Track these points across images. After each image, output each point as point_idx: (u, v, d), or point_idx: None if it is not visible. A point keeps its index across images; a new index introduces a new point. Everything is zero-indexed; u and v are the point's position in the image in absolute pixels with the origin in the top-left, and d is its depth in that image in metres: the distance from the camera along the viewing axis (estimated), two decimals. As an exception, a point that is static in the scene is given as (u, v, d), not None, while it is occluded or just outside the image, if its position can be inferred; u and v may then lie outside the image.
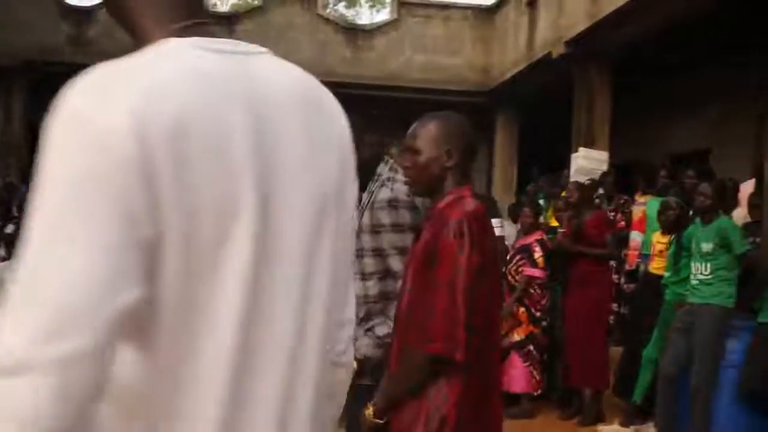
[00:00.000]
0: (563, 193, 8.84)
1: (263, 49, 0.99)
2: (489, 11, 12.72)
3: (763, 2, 6.71)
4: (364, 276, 2.57)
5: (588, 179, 8.25)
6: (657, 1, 7.17)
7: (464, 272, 1.88)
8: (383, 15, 25.35)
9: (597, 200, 6.43)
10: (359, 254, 2.56)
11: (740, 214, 5.91)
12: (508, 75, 11.46)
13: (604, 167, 9.05)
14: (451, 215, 1.96)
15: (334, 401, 1.11)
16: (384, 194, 2.60)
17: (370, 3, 27.27)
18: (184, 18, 0.91)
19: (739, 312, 4.99)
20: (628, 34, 8.17)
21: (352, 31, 12.82)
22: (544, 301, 6.09)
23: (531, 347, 5.94)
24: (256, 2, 12.82)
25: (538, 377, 5.95)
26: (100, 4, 9.61)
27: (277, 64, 1.00)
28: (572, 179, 9.19)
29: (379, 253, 2.57)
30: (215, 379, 0.83)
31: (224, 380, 0.83)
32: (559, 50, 9.28)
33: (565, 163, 9.77)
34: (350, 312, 1.12)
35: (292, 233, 0.91)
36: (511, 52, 11.50)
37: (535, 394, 5.98)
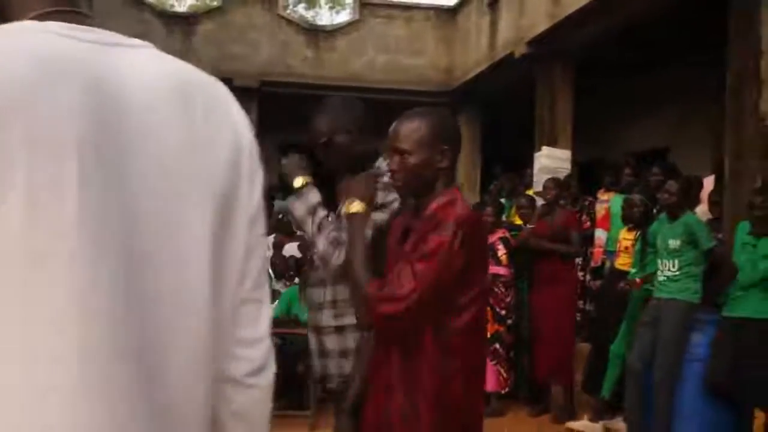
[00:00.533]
0: (531, 191, 8.90)
1: (142, 43, 0.95)
2: (451, 12, 12.74)
3: (723, 1, 6.83)
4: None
5: (551, 177, 8.32)
6: (618, 1, 7.24)
7: (446, 272, 1.83)
8: (344, 16, 25.32)
9: (562, 201, 6.48)
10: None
11: (702, 210, 6.00)
12: (471, 75, 11.49)
13: (567, 166, 9.13)
14: (447, 217, 1.88)
15: (244, 422, 1.04)
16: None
17: (330, 4, 27.20)
18: (49, 5, 0.93)
19: (703, 306, 5.07)
20: (590, 34, 8.24)
21: (314, 32, 12.73)
22: (508, 299, 6.11)
23: (497, 345, 5.95)
24: (215, 3, 12.63)
25: (505, 375, 5.96)
26: None
27: (154, 59, 0.95)
28: (535, 178, 9.28)
29: None
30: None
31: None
32: (521, 50, 9.33)
33: (528, 162, 9.84)
34: (262, 330, 1.03)
35: (144, 229, 0.87)
36: (473, 52, 11.53)
37: (503, 392, 5.99)
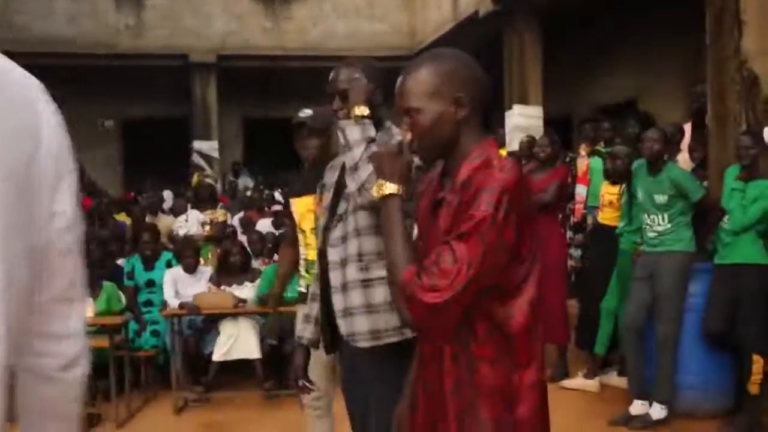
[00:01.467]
0: (504, 151, 8.75)
1: None
2: (410, -27, 12.45)
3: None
4: (355, 209, 2.31)
5: (526, 136, 8.19)
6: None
7: (492, 252, 1.54)
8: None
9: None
10: (361, 188, 2.27)
11: (683, 159, 5.90)
12: (434, 37, 11.25)
13: (539, 123, 9.01)
14: (484, 182, 1.57)
15: (51, 416, 1.08)
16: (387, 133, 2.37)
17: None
18: None
19: (697, 255, 4.98)
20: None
21: (270, 2, 12.32)
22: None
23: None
24: (164, -25, 12.13)
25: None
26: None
27: None
28: (508, 137, 9.14)
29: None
30: None
31: None
32: (486, 7, 9.11)
33: (499, 121, 9.70)
34: (74, 326, 1.07)
35: None
36: (435, 13, 11.28)
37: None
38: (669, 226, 4.88)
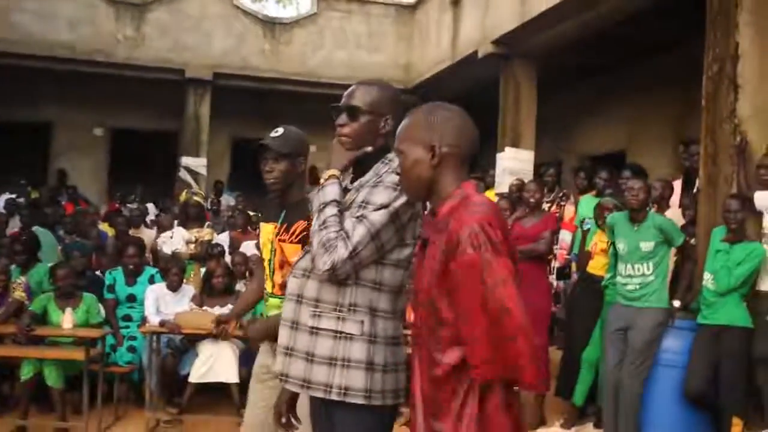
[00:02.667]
0: (492, 192, 8.81)
1: None
2: (411, 8, 12.60)
3: (690, 4, 6.85)
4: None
5: (515, 179, 8.26)
6: (584, 3, 7.20)
7: (500, 282, 1.65)
8: (291, 11, 24.90)
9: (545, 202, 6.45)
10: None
11: (674, 214, 5.97)
12: (431, 73, 11.36)
13: (530, 167, 9.10)
14: (461, 223, 1.71)
15: None
16: (393, 178, 2.17)
17: (276, -1, 26.77)
18: None
19: (680, 312, 5.03)
20: (556, 35, 8.20)
21: (270, 24, 12.40)
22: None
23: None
24: (168, -11, 12.18)
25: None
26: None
27: None
28: (498, 179, 9.21)
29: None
30: None
31: None
32: (485, 49, 9.23)
33: (487, 162, 9.78)
34: None
35: None
36: (433, 49, 11.40)
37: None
38: (652, 277, 4.92)
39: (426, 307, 1.81)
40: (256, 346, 2.94)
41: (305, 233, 2.86)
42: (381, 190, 2.14)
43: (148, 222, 9.65)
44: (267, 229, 3.05)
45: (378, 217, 2.11)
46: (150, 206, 11.79)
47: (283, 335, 2.25)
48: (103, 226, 8.87)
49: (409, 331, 2.47)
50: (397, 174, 1.93)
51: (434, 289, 1.77)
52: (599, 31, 7.97)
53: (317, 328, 2.18)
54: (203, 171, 11.98)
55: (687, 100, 8.81)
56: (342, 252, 2.08)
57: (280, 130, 3.03)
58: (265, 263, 3.02)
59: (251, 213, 9.73)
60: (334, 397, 2.13)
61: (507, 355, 1.65)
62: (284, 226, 2.95)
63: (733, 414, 4.65)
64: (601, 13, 7.39)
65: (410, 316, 2.27)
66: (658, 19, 7.95)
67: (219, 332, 3.04)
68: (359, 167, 2.31)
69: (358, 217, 2.13)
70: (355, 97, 2.28)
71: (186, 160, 11.92)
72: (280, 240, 2.94)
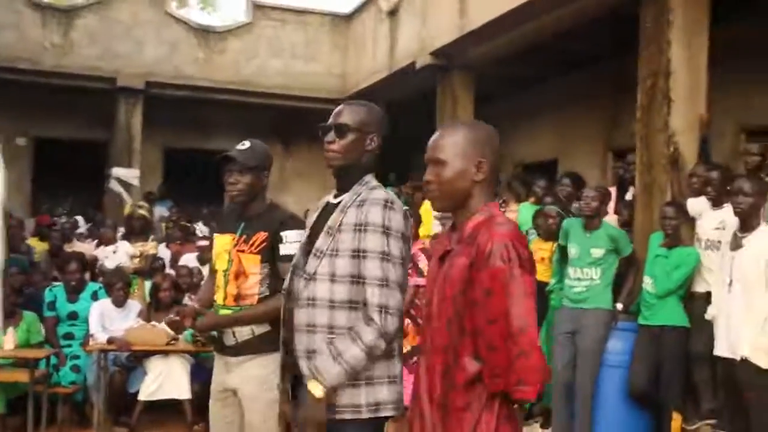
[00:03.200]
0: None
1: None
2: (346, 18, 12.66)
3: (620, 18, 7.17)
4: (334, 278, 2.30)
5: (424, 179, 8.41)
6: (526, 15, 7.43)
7: (523, 297, 1.75)
8: (216, 18, 24.63)
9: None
10: (333, 254, 2.31)
11: (613, 220, 6.23)
12: (368, 83, 11.45)
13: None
14: (491, 238, 1.81)
15: None
16: (379, 193, 2.33)
17: (201, 5, 26.40)
18: None
19: (623, 314, 5.26)
20: (495, 47, 8.42)
21: (204, 32, 12.23)
22: (430, 310, 6.06)
23: (417, 358, 5.88)
24: (96, -5, 11.86)
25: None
26: None
27: None
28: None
29: (357, 254, 2.28)
30: None
31: None
32: (423, 60, 9.38)
33: (422, 171, 9.92)
34: None
35: None
36: (370, 59, 11.50)
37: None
38: (599, 281, 5.14)
39: (448, 316, 1.88)
40: (204, 336, 2.97)
41: (265, 244, 2.95)
42: (374, 237, 2.25)
43: (78, 234, 9.38)
44: (222, 240, 3.09)
45: (386, 270, 2.25)
46: (79, 219, 11.44)
47: (303, 365, 2.32)
48: (32, 241, 8.55)
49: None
50: (427, 184, 1.99)
51: (459, 298, 1.84)
52: (535, 44, 8.24)
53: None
54: (135, 182, 11.69)
55: (616, 112, 9.21)
56: (389, 325, 2.24)
57: (247, 143, 3.09)
58: (219, 274, 3.05)
59: (187, 224, 9.59)
60: (365, 415, 2.24)
61: (519, 369, 1.73)
62: (243, 237, 3.00)
63: (673, 409, 4.91)
64: (538, 27, 7.64)
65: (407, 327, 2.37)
66: (591, 34, 8.27)
67: (173, 324, 2.96)
68: (344, 181, 2.41)
69: (363, 282, 2.26)
70: (343, 116, 2.41)
71: (117, 171, 11.61)
72: (238, 251, 2.99)
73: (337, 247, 2.30)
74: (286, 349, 2.46)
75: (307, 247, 2.45)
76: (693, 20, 5.65)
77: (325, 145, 2.41)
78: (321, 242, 2.34)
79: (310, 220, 2.54)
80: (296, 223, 3.02)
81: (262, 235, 2.96)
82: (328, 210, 2.43)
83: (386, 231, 2.26)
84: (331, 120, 2.43)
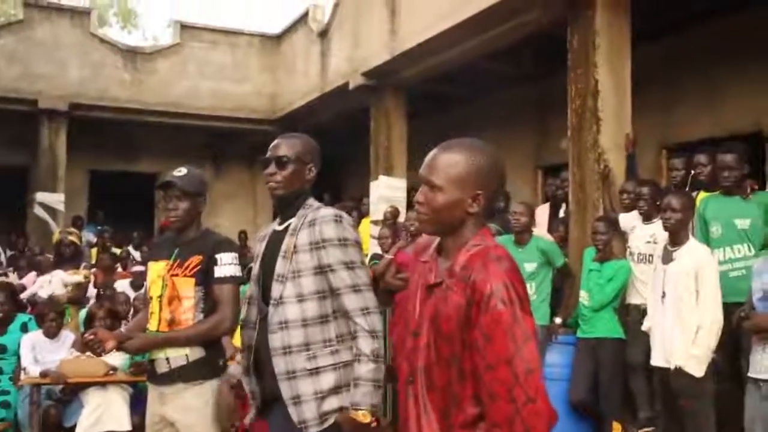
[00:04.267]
0: (368, 220, 9.00)
1: None
2: (276, 39, 12.66)
3: (540, 40, 7.45)
4: (301, 297, 2.42)
5: (390, 206, 8.51)
6: (454, 38, 7.61)
7: (527, 340, 1.64)
8: (138, 38, 24.15)
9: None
10: (295, 275, 2.43)
11: (541, 233, 6.41)
12: (299, 103, 11.45)
13: (403, 194, 9.40)
14: (489, 277, 1.67)
15: None
16: (326, 211, 2.51)
17: (121, 24, 25.88)
18: None
19: (562, 328, 5.41)
20: (426, 68, 8.58)
21: (131, 54, 12.00)
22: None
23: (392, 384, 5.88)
24: (15, 14, 11.48)
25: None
26: None
27: None
28: (372, 207, 9.43)
29: (320, 270, 2.42)
30: None
31: None
32: (356, 81, 9.47)
33: (355, 190, 10.01)
34: None
35: None
36: (301, 80, 11.51)
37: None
38: (535, 297, 5.27)
39: (446, 356, 1.75)
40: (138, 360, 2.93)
41: (199, 267, 2.97)
42: (334, 250, 2.41)
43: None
44: (156, 267, 3.09)
45: (354, 276, 2.42)
46: (-1, 247, 10.98)
47: (285, 389, 2.41)
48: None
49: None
50: (418, 205, 1.83)
51: (457, 338, 1.71)
52: (463, 65, 8.44)
53: (317, 369, 2.40)
54: (61, 207, 11.31)
55: (543, 130, 9.51)
56: (375, 323, 2.42)
57: (184, 170, 3.10)
58: (153, 300, 3.04)
59: (117, 250, 9.34)
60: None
61: (526, 417, 1.62)
62: (177, 261, 3.01)
63: (613, 419, 5.07)
64: (465, 49, 7.83)
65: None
66: (517, 55, 8.55)
67: (91, 345, 2.88)
68: (287, 209, 2.58)
69: (337, 292, 2.41)
70: (282, 149, 2.57)
71: (41, 196, 11.21)
72: (172, 275, 2.99)
73: (298, 268, 2.44)
74: (254, 374, 2.53)
75: (259, 275, 2.55)
76: (617, 41, 5.91)
77: (267, 177, 2.55)
78: (280, 267, 2.46)
79: (259, 248, 2.63)
80: (230, 246, 3.06)
81: (196, 259, 2.97)
82: (275, 238, 2.56)
83: (343, 243, 2.42)
84: (270, 153, 2.57)
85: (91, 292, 6.93)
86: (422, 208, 1.82)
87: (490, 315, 1.65)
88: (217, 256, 2.96)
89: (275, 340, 2.42)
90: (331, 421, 2.38)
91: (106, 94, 11.69)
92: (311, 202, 2.57)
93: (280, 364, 2.41)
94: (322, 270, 2.42)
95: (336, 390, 2.39)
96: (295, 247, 2.45)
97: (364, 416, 2.33)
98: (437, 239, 1.89)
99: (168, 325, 2.95)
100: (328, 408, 2.39)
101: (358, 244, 2.47)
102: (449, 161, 1.78)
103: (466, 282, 1.71)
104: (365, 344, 2.36)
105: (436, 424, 1.75)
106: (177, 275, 2.97)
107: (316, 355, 2.40)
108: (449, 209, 1.78)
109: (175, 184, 3.01)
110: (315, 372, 2.39)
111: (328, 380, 2.39)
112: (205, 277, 2.95)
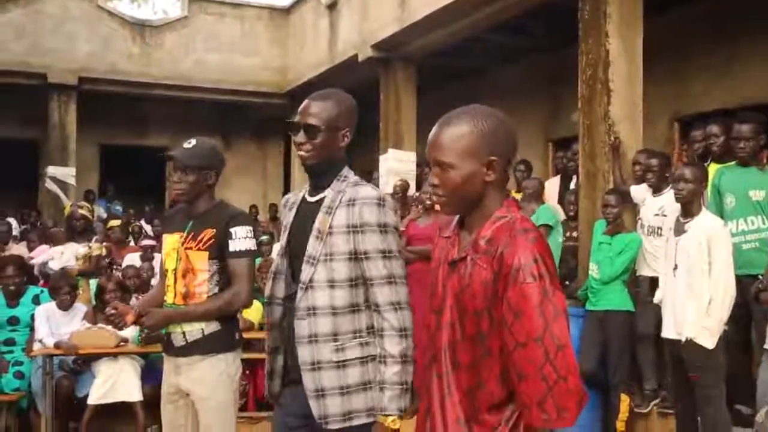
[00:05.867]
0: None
1: None
2: (285, 12, 12.56)
3: (551, 11, 7.34)
4: (332, 283, 2.24)
5: (399, 180, 8.48)
6: (465, 9, 7.52)
7: (558, 316, 1.57)
8: (147, 12, 24.00)
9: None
10: (327, 259, 2.24)
11: (556, 208, 6.38)
12: (308, 76, 11.39)
13: (413, 167, 9.36)
14: (517, 250, 1.59)
15: None
16: (368, 191, 2.28)
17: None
18: None
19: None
20: (436, 39, 8.49)
21: (139, 27, 11.94)
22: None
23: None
24: (23, -11, 11.45)
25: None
26: None
27: None
28: (382, 180, 9.40)
29: (355, 256, 2.24)
30: None
31: None
32: (365, 53, 9.39)
33: (365, 164, 9.97)
34: None
35: None
36: (310, 53, 11.43)
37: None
38: None
39: (472, 334, 1.68)
40: (153, 334, 2.88)
41: (212, 241, 2.94)
42: (373, 237, 2.23)
43: (13, 237, 9.04)
44: (170, 240, 3.07)
45: (390, 267, 2.24)
46: (12, 221, 11.03)
47: (308, 380, 2.25)
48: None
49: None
50: (434, 188, 1.74)
51: (484, 316, 1.65)
52: (474, 36, 8.35)
53: (344, 361, 2.23)
54: (72, 180, 11.35)
55: (554, 103, 9.43)
56: (406, 320, 2.26)
57: (193, 142, 3.06)
58: (169, 273, 3.03)
59: (134, 225, 9.37)
60: (357, 422, 2.24)
61: (557, 395, 1.55)
62: (191, 234, 2.98)
63: (621, 391, 5.07)
64: (476, 19, 7.74)
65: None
66: (528, 26, 8.44)
67: (112, 319, 2.90)
68: (320, 178, 2.35)
69: (370, 282, 2.24)
70: (311, 115, 2.30)
71: (52, 170, 11.25)
72: (186, 248, 2.97)
73: (331, 251, 2.24)
74: (276, 354, 2.40)
75: (287, 248, 2.40)
76: (629, 11, 5.82)
77: (296, 145, 2.34)
78: (312, 248, 2.26)
79: (287, 219, 2.44)
80: (245, 219, 3.02)
81: (209, 232, 2.95)
82: (307, 209, 2.36)
83: (383, 229, 2.24)
84: (298, 118, 2.32)
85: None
86: (438, 190, 1.72)
87: (519, 289, 1.57)
88: (232, 229, 2.93)
89: (301, 327, 2.25)
90: (356, 422, 2.24)
91: (115, 67, 11.66)
92: (346, 172, 2.34)
93: (304, 354, 2.24)
94: (357, 256, 2.23)
95: (363, 386, 2.24)
96: (330, 227, 2.25)
97: (393, 423, 2.20)
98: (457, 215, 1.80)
99: (183, 298, 2.95)
100: (355, 407, 2.23)
101: (397, 231, 2.28)
102: (454, 134, 1.68)
103: (492, 256, 1.63)
104: (392, 344, 2.20)
105: (460, 406, 1.67)
106: (191, 248, 2.96)
107: (344, 347, 2.23)
108: (466, 185, 1.69)
109: (176, 158, 2.99)
110: (342, 365, 2.23)
111: (354, 374, 2.23)
112: (219, 251, 2.93)
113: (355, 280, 2.24)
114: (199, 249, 2.94)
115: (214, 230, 2.94)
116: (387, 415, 2.20)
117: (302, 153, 2.32)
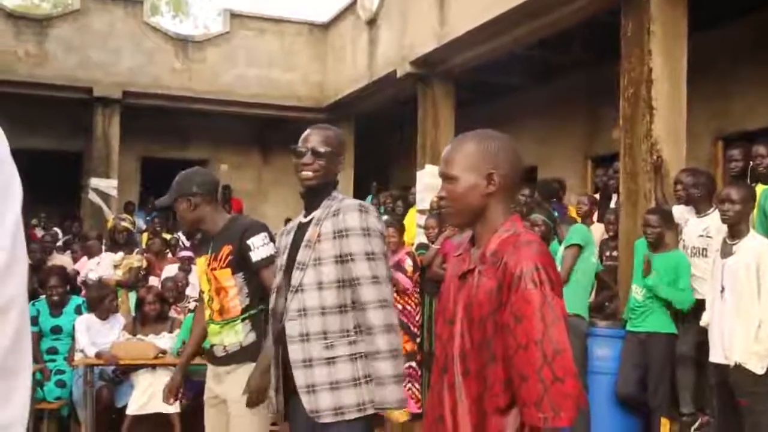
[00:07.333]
0: (414, 209, 8.99)
1: None
2: (324, 27, 12.67)
3: (592, 28, 7.29)
4: (321, 285, 2.42)
5: (436, 196, 8.47)
6: (505, 25, 7.50)
7: (557, 321, 1.67)
8: (188, 26, 24.50)
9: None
10: (316, 263, 2.44)
11: (598, 230, 6.30)
12: (347, 91, 11.46)
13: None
14: (520, 260, 1.71)
15: None
16: (351, 201, 2.55)
17: (173, 13, 26.26)
18: None
19: (607, 320, 5.34)
20: (474, 56, 8.49)
21: (182, 42, 12.16)
22: (418, 317, 6.09)
23: (413, 364, 5.89)
24: (71, 4, 11.74)
25: (419, 395, 5.92)
26: None
27: None
28: (419, 196, 9.41)
29: (341, 259, 2.43)
30: None
31: None
32: (404, 69, 9.42)
33: (402, 180, 9.98)
34: (12, 412, 0.80)
35: None
36: (349, 68, 11.51)
37: (418, 411, 5.94)
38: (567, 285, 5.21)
39: (479, 341, 1.79)
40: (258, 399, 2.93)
41: (231, 257, 3.04)
42: (357, 240, 2.42)
43: (58, 248, 9.24)
44: (200, 263, 3.23)
45: (375, 268, 2.42)
46: (56, 230, 11.28)
47: (299, 376, 2.40)
48: None
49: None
50: (440, 199, 1.93)
51: (489, 322, 1.75)
52: (514, 53, 8.33)
53: (333, 358, 2.38)
54: (114, 192, 11.56)
55: (594, 120, 9.34)
56: (392, 317, 2.43)
57: (192, 171, 3.26)
58: (205, 294, 3.17)
59: (167, 235, 9.50)
60: (369, 413, 2.38)
61: (553, 396, 1.64)
62: (213, 255, 3.10)
63: (661, 414, 4.96)
64: (517, 36, 7.72)
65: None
66: (568, 43, 8.39)
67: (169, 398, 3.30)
68: (313, 200, 2.58)
69: (354, 281, 2.41)
70: (316, 141, 2.56)
71: (96, 182, 11.47)
72: (212, 269, 3.09)
73: (320, 256, 2.45)
74: (282, 366, 2.53)
75: (286, 266, 2.57)
76: (673, 29, 5.75)
77: (301, 166, 2.55)
78: (302, 255, 2.49)
79: (286, 241, 2.64)
80: (257, 227, 3.10)
81: (226, 249, 3.05)
82: (301, 230, 2.59)
83: (366, 232, 2.43)
84: (302, 144, 2.58)
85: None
86: (444, 201, 1.89)
87: (521, 295, 1.69)
88: (248, 241, 3.01)
89: (293, 327, 2.43)
90: (347, 417, 2.36)
91: (158, 82, 11.88)
92: (336, 193, 2.59)
93: (296, 352, 2.41)
94: (343, 259, 2.42)
95: (353, 382, 2.38)
96: (318, 236, 2.46)
97: (401, 415, 2.35)
98: (471, 233, 1.94)
99: (219, 314, 3.07)
100: (345, 402, 2.37)
101: (381, 236, 2.47)
102: (461, 152, 1.88)
103: (497, 266, 1.76)
104: (382, 340, 2.35)
105: (470, 413, 1.77)
106: (215, 269, 3.07)
107: (334, 344, 2.39)
108: (467, 195, 1.84)
109: (166, 204, 3.20)
110: (332, 361, 2.38)
111: (343, 371, 2.38)
112: (239, 265, 3.02)
113: (343, 282, 2.42)
114: (221, 267, 3.05)
115: (230, 246, 3.04)
116: (391, 409, 2.35)
117: (308, 173, 2.54)
